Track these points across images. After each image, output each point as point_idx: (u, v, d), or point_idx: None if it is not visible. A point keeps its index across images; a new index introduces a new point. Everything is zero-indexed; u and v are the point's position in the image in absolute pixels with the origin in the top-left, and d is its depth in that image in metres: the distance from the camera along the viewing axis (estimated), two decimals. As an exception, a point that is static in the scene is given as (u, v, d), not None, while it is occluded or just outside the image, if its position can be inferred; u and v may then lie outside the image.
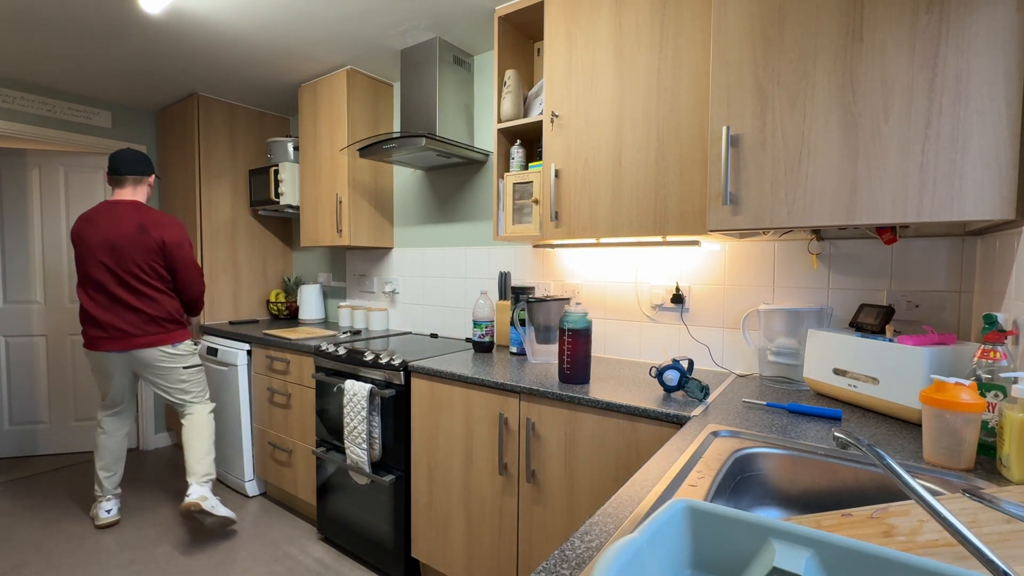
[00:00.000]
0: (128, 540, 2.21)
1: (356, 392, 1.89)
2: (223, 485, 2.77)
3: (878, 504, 0.69)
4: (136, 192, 2.22)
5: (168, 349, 2.20)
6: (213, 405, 2.37)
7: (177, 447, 3.38)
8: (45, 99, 2.85)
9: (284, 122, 3.35)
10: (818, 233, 1.53)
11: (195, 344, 2.37)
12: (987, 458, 0.91)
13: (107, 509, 2.31)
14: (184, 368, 2.26)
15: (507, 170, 1.96)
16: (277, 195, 2.86)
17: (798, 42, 1.16)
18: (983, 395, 0.91)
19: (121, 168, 2.19)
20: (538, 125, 1.84)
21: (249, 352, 2.57)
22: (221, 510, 2.16)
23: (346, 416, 1.92)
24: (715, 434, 1.04)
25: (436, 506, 1.77)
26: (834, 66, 1.12)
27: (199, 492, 2.15)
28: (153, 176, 2.28)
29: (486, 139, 2.34)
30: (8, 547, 2.16)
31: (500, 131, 1.92)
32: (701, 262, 1.77)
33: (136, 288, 2.12)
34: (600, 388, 1.46)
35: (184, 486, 2.75)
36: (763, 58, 1.21)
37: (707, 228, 1.33)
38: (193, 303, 2.31)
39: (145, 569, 2.00)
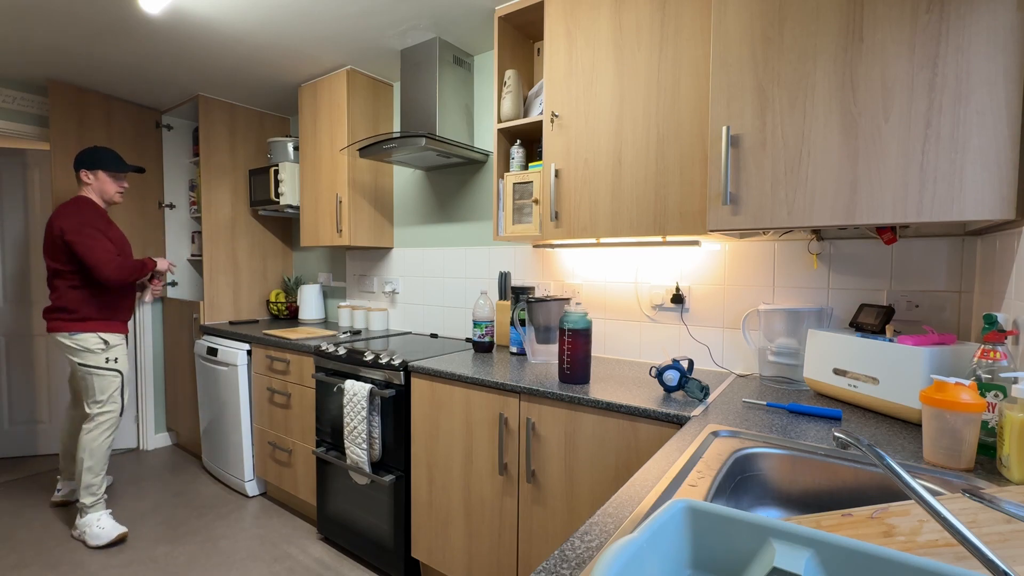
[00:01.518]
0: (128, 540, 2.21)
1: (356, 392, 1.89)
2: (223, 485, 2.77)
3: (878, 504, 0.69)
4: (80, 188, 2.33)
5: (64, 337, 2.21)
6: (108, 425, 2.26)
7: (177, 447, 3.38)
8: (44, 99, 2.85)
9: (284, 122, 3.35)
10: (818, 233, 1.53)
11: (104, 343, 2.27)
12: (987, 458, 0.91)
13: (58, 488, 2.52)
14: (80, 364, 2.22)
15: (507, 170, 1.96)
16: (277, 195, 2.86)
17: (798, 42, 1.16)
18: (983, 395, 0.91)
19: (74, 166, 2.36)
20: (538, 125, 1.84)
21: (249, 352, 2.57)
22: (105, 538, 2.14)
23: (346, 416, 1.92)
24: (715, 434, 1.04)
25: (436, 506, 1.77)
26: (834, 66, 1.12)
27: (81, 525, 2.19)
28: (83, 171, 2.27)
29: (486, 139, 2.34)
30: (8, 547, 2.16)
31: (500, 131, 1.92)
32: (701, 262, 1.77)
33: (52, 277, 2.27)
34: (600, 388, 1.46)
35: (184, 484, 2.75)
36: (763, 58, 1.21)
37: (707, 228, 1.33)
38: (105, 283, 2.23)
39: (145, 569, 2.00)
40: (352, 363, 2.01)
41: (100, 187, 2.31)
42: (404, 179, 2.70)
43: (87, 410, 2.25)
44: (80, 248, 2.14)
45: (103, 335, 2.26)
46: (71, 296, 2.21)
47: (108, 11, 2.00)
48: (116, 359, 2.29)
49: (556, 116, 1.71)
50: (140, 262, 2.32)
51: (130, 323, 2.85)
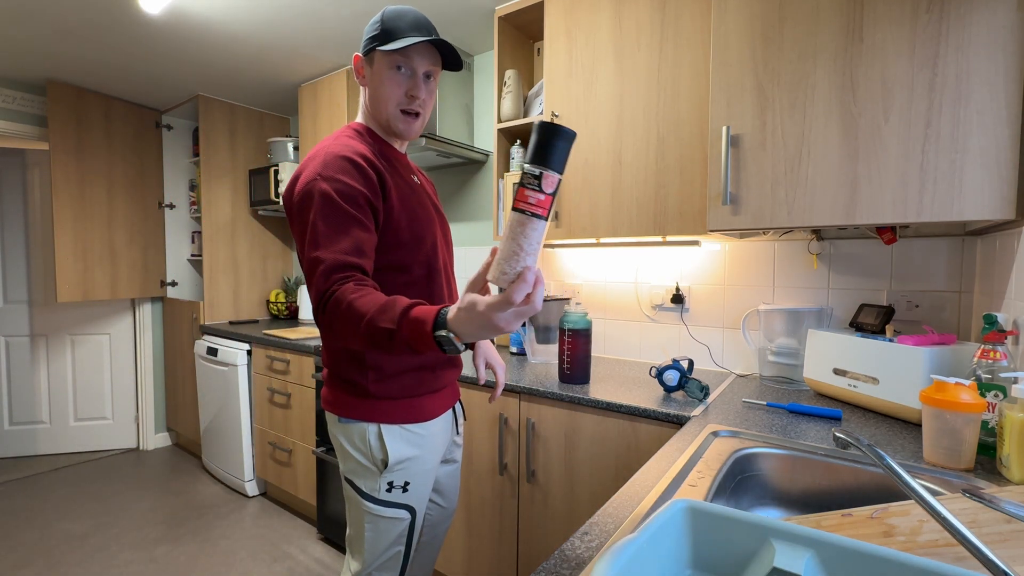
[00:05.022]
0: (128, 540, 2.21)
1: (356, 392, 1.88)
2: (223, 485, 2.77)
3: (878, 504, 0.69)
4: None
5: (334, 424, 1.06)
6: None
7: (177, 447, 3.38)
8: (44, 99, 2.85)
9: (284, 122, 3.35)
10: (818, 233, 1.53)
11: (382, 448, 1.01)
12: (987, 458, 0.91)
13: None
14: (346, 479, 1.06)
15: (507, 170, 1.96)
16: (277, 195, 2.86)
17: (798, 42, 1.16)
18: (983, 395, 0.91)
19: None
20: (538, 125, 1.83)
21: (249, 352, 2.57)
22: None
23: (346, 416, 1.92)
24: (715, 434, 1.04)
25: (436, 506, 1.77)
26: (834, 66, 1.12)
27: None
28: (354, 59, 1.04)
29: (486, 139, 2.34)
30: (8, 547, 2.16)
31: (500, 131, 1.92)
32: (701, 262, 1.77)
33: None
34: (600, 388, 1.46)
35: (184, 484, 2.75)
36: (763, 58, 1.21)
37: (707, 228, 1.33)
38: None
39: (145, 569, 2.00)
40: (352, 363, 2.01)
41: (374, 91, 1.03)
42: (404, 179, 2.70)
43: (349, 557, 1.11)
44: (296, 236, 0.96)
45: (388, 431, 1.02)
46: (327, 343, 1.04)
47: (108, 11, 1.99)
48: (407, 484, 1.04)
49: (556, 116, 1.71)
50: (399, 308, 0.76)
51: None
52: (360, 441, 1.01)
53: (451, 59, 1.03)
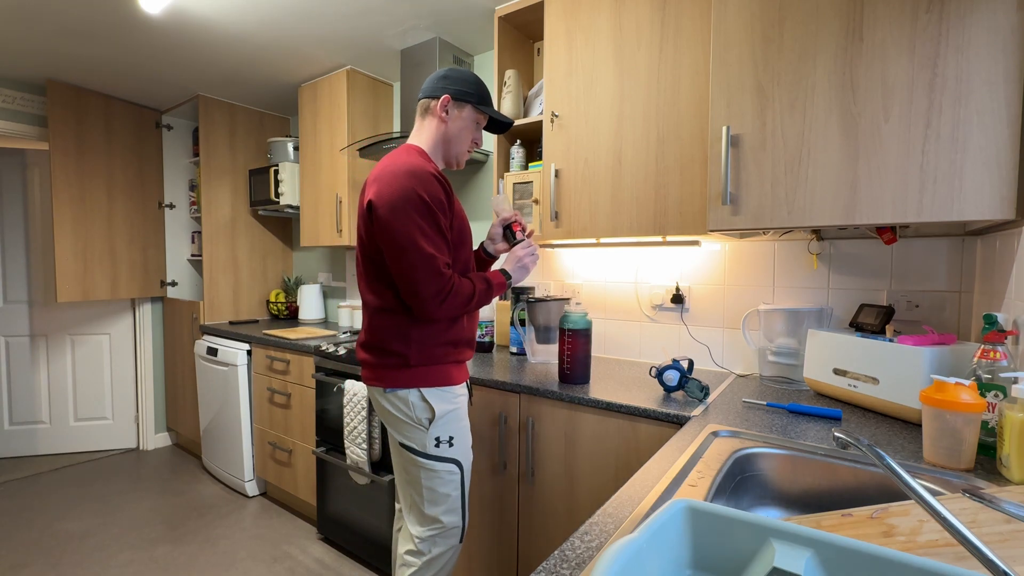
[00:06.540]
0: (128, 540, 2.21)
1: (356, 392, 1.89)
2: (223, 485, 2.77)
3: (878, 504, 0.69)
4: (420, 128, 1.33)
5: (379, 395, 1.28)
6: (438, 567, 1.28)
7: (177, 447, 3.38)
8: (44, 99, 2.85)
9: (284, 122, 3.35)
10: (818, 233, 1.53)
11: (427, 408, 1.25)
12: (987, 458, 0.91)
13: None
14: (401, 445, 1.27)
15: (507, 170, 1.96)
16: (277, 195, 2.86)
17: (798, 42, 1.16)
18: (983, 395, 0.91)
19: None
20: (538, 125, 1.83)
21: (249, 352, 2.57)
22: None
23: (346, 416, 1.92)
24: (715, 434, 1.04)
25: (436, 506, 1.77)
26: (834, 66, 1.12)
27: None
28: (444, 98, 1.27)
29: (486, 139, 2.34)
30: (8, 547, 2.16)
31: (500, 131, 1.92)
32: (701, 262, 1.77)
33: (361, 288, 1.33)
34: (600, 388, 1.46)
35: (184, 484, 2.75)
36: (763, 58, 1.21)
37: (707, 228, 1.33)
38: (414, 309, 1.21)
39: (145, 569, 2.00)
40: (352, 363, 2.01)
41: (454, 132, 1.31)
42: (404, 179, 2.70)
43: (410, 528, 1.30)
44: (389, 243, 1.18)
45: (427, 392, 1.25)
46: (390, 323, 1.25)
47: (108, 11, 2.00)
48: (451, 439, 1.28)
49: (556, 116, 1.71)
50: (486, 281, 1.28)
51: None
52: (405, 406, 1.25)
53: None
